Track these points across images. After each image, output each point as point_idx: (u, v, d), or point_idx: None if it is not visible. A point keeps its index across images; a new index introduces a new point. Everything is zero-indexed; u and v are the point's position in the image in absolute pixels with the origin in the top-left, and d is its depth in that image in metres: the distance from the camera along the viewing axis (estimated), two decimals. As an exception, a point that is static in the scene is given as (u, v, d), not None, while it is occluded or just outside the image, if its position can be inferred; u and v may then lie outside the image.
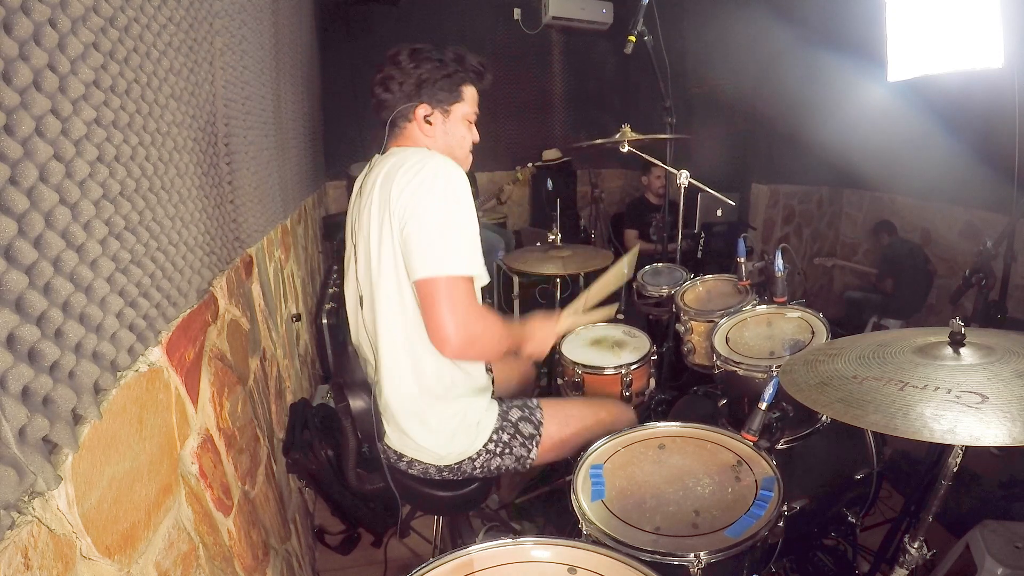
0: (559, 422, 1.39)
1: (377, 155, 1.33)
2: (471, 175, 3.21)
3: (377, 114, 1.32)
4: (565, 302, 2.66)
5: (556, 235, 2.60)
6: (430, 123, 1.29)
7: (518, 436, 1.35)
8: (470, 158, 1.40)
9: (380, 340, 1.26)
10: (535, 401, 1.43)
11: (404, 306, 1.22)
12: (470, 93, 1.33)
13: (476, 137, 1.39)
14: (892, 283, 3.54)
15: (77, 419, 0.61)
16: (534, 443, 1.36)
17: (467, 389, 1.32)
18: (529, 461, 1.37)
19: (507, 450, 1.34)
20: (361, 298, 1.30)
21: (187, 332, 0.97)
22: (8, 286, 0.51)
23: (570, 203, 4.60)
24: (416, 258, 1.13)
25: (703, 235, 3.05)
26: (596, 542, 0.95)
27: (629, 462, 1.19)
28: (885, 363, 0.97)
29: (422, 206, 1.13)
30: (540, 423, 1.38)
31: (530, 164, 4.49)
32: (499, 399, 1.42)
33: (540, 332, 1.37)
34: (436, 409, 1.28)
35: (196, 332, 1.02)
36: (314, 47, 3.46)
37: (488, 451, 1.33)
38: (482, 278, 1.22)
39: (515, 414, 1.38)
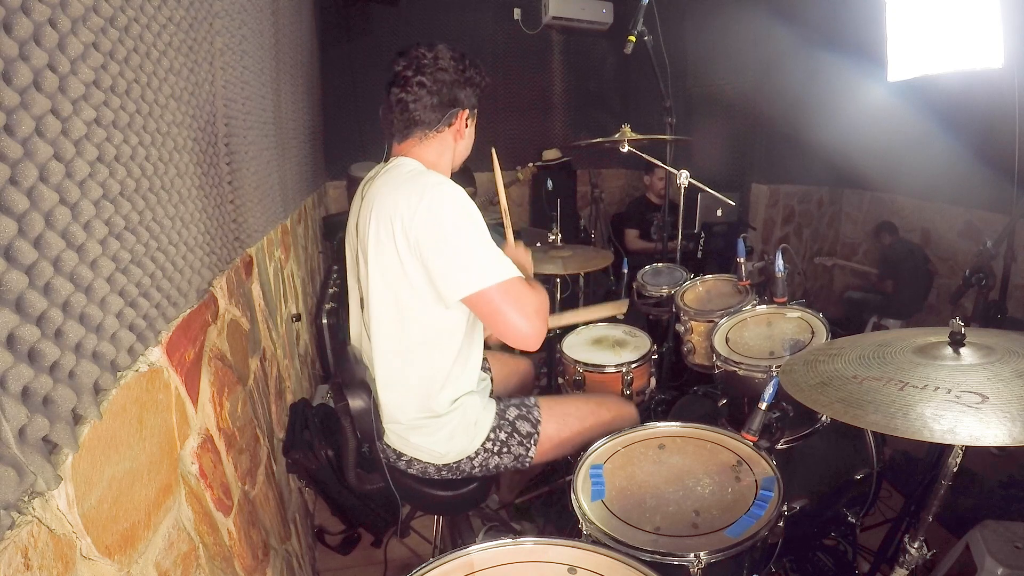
0: (558, 420, 1.39)
1: (382, 164, 1.30)
2: (470, 174, 3.21)
3: (400, 113, 1.23)
4: (565, 302, 2.67)
5: (556, 235, 2.60)
6: (467, 125, 1.30)
7: (516, 435, 1.35)
8: None
9: (373, 347, 1.27)
10: (532, 399, 1.43)
11: (402, 318, 1.22)
12: None
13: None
14: (892, 283, 3.54)
15: (77, 419, 0.61)
16: (532, 442, 1.36)
17: (462, 390, 1.32)
18: (528, 460, 1.37)
19: (505, 449, 1.34)
20: (362, 300, 1.31)
21: (187, 332, 0.97)
22: (8, 286, 0.51)
23: (570, 203, 4.59)
24: (460, 276, 1.13)
25: (703, 235, 3.05)
26: (596, 542, 0.96)
27: (629, 462, 1.19)
28: (885, 363, 0.97)
29: (444, 231, 1.12)
30: (538, 421, 1.37)
31: (531, 164, 4.48)
32: (497, 398, 1.42)
33: (522, 257, 1.42)
34: (432, 411, 1.28)
35: (196, 332, 1.02)
36: (314, 47, 3.46)
37: (486, 450, 1.33)
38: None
39: (512, 413, 1.38)
